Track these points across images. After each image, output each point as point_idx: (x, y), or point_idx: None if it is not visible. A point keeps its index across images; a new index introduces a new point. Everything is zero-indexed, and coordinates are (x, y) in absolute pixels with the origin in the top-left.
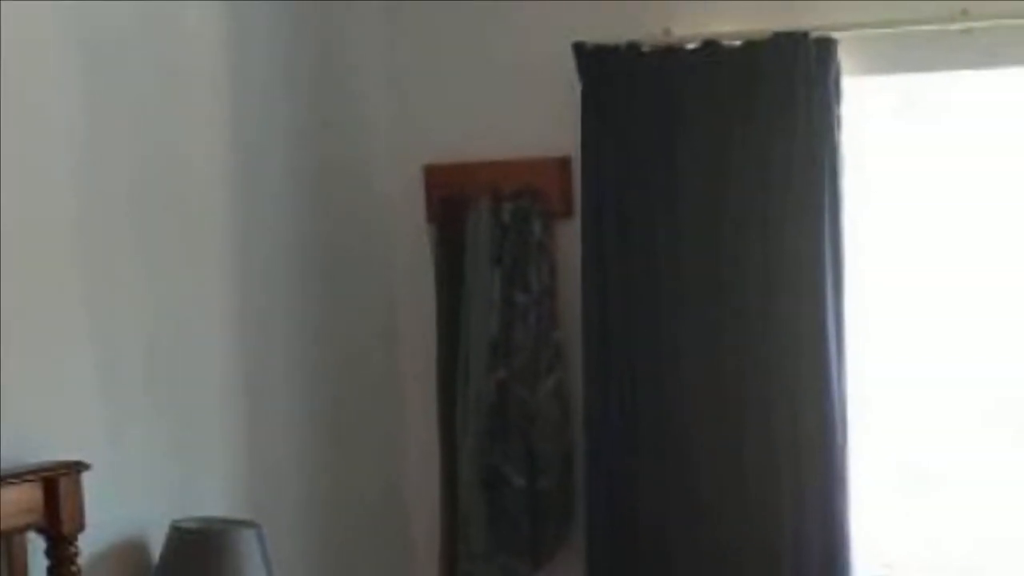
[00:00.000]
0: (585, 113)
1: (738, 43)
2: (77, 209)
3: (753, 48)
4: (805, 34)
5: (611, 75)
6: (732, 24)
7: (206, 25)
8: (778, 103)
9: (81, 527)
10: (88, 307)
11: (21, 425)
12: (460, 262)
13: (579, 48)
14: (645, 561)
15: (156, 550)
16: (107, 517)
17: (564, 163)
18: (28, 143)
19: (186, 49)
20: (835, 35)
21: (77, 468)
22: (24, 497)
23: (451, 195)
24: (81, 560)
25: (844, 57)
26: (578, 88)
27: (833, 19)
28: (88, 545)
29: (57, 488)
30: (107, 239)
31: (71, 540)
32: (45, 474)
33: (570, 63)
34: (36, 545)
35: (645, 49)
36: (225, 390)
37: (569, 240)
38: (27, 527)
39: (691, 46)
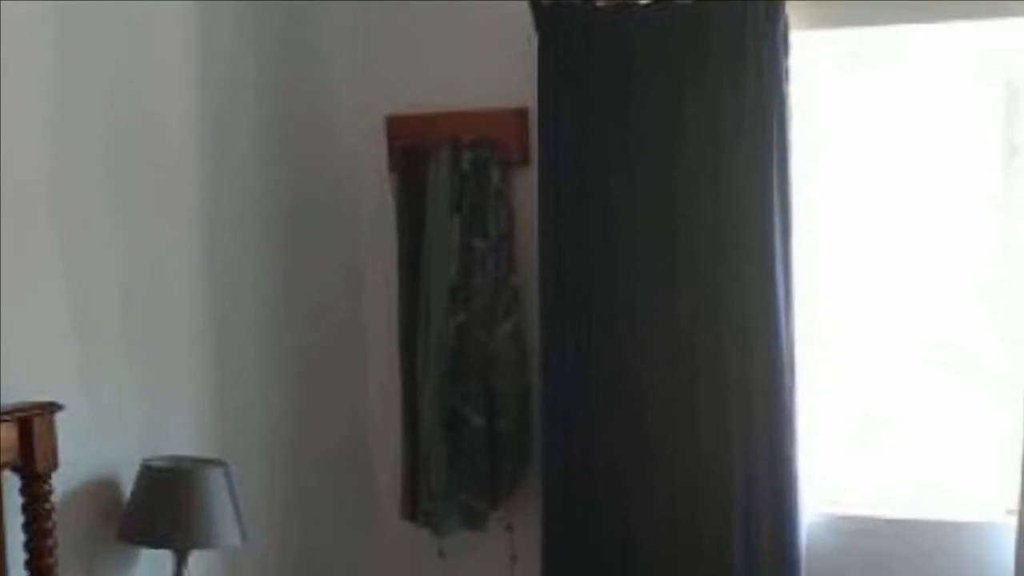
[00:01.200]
0: (542, 66)
1: None
2: (51, 161)
3: (704, 3)
4: None
5: (567, 29)
6: None
7: None
8: (728, 57)
9: (55, 466)
10: (63, 256)
11: None
12: (421, 210)
13: (536, 3)
14: (600, 499)
15: (127, 488)
16: (80, 456)
17: (521, 114)
18: (3, 98)
19: (156, 6)
20: None
21: (51, 409)
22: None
23: (412, 145)
24: (55, 498)
25: (792, 12)
26: (535, 42)
27: None
28: (62, 483)
29: (32, 428)
30: (81, 191)
31: (45, 478)
32: (20, 414)
33: (527, 18)
34: (11, 483)
35: (600, 4)
36: (194, 334)
37: (526, 188)
38: (2, 466)
39: (644, 1)
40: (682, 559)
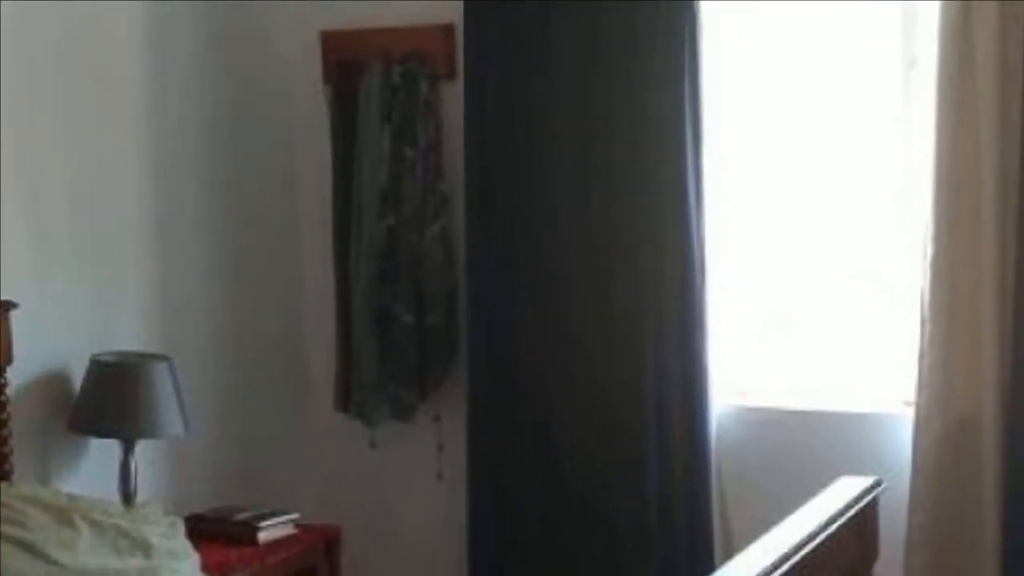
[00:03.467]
0: None
1: None
2: (6, 71)
3: None
4: None
5: None
6: None
7: None
8: None
9: (9, 360)
10: (16, 162)
11: None
12: (354, 120)
13: None
14: (522, 392)
15: (77, 381)
16: (33, 351)
17: (449, 30)
18: None
19: None
20: None
21: (5, 307)
22: None
23: (346, 59)
24: (9, 391)
25: None
26: None
27: None
28: (15, 377)
29: None
30: (32, 99)
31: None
32: None
33: None
34: None
35: None
36: (141, 236)
37: (453, 100)
38: None
39: None
40: (598, 447)
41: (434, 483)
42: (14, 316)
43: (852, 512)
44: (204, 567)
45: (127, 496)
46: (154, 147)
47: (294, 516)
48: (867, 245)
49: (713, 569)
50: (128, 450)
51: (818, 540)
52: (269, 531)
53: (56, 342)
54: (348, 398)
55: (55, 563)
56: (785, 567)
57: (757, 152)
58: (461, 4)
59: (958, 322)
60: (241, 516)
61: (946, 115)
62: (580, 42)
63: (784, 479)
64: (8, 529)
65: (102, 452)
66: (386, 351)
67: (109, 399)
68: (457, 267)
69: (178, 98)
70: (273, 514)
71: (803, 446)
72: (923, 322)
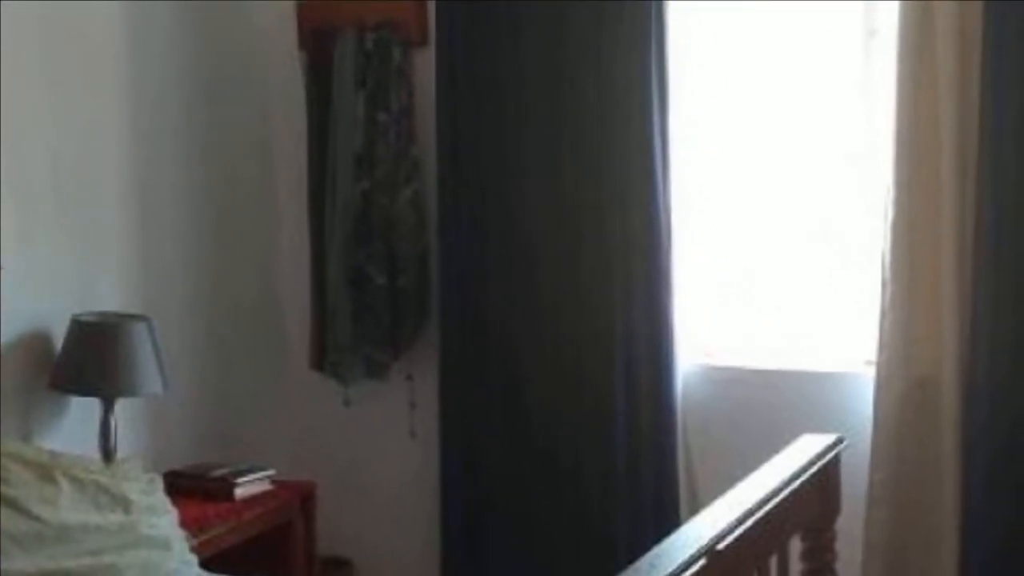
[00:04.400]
0: None
1: None
2: None
3: None
4: None
5: None
6: None
7: None
8: None
9: None
10: None
11: None
12: (328, 86)
13: None
14: (492, 351)
15: (59, 341)
16: (16, 311)
17: None
18: None
19: None
20: None
21: None
22: None
23: (320, 26)
24: None
25: None
26: None
27: None
28: None
29: None
30: (15, 66)
31: None
32: None
33: None
34: None
35: None
36: (121, 200)
37: (425, 66)
38: None
39: None
40: (567, 405)
41: (407, 440)
42: None
43: (814, 468)
44: (182, 522)
45: (107, 453)
46: (133, 114)
47: (270, 472)
48: (829, 208)
49: (679, 523)
50: (108, 408)
51: (781, 496)
52: (245, 487)
53: (38, 303)
54: (323, 357)
55: (37, 518)
56: (749, 522)
57: (722, 119)
58: None
59: (918, 283)
60: (218, 472)
61: (906, 82)
62: (549, 10)
63: (748, 436)
64: None
65: (83, 410)
66: (360, 311)
67: (90, 358)
68: (429, 230)
69: (156, 66)
70: (249, 470)
71: (767, 404)
72: (884, 283)
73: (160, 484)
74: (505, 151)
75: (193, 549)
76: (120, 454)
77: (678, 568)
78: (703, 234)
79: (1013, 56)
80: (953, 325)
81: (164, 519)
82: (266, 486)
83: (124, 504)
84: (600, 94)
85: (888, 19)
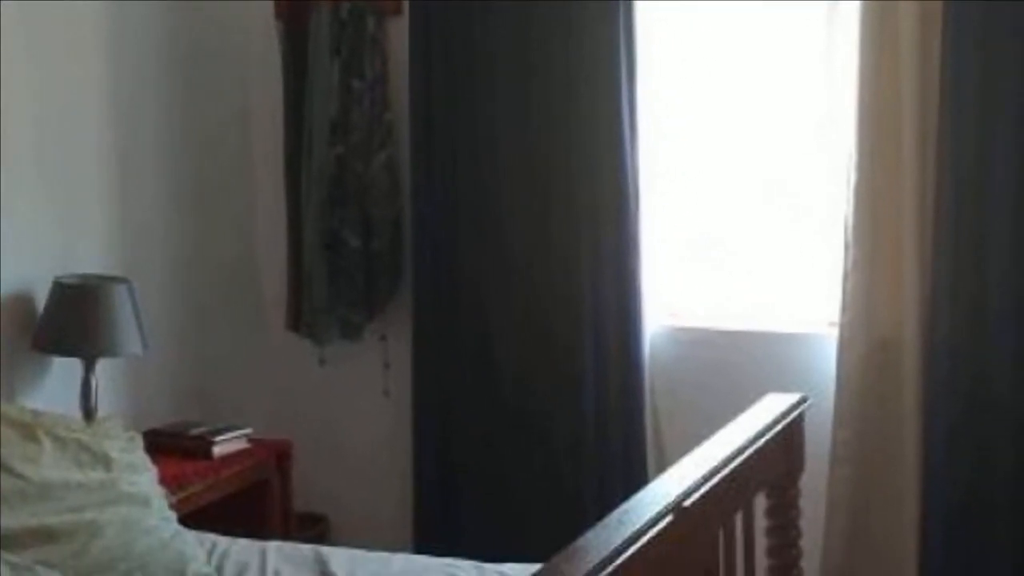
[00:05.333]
0: None
1: None
2: None
3: None
4: None
5: None
6: None
7: None
8: None
9: None
10: None
11: None
12: (304, 54)
13: None
14: (464, 313)
15: (41, 303)
16: None
17: None
18: None
19: None
20: None
21: None
22: None
23: None
24: None
25: None
26: None
27: None
28: None
29: None
30: None
31: None
32: None
33: None
34: None
35: None
36: (102, 166)
37: (399, 35)
38: None
39: None
40: (537, 366)
41: (381, 399)
42: None
43: (779, 427)
44: (161, 480)
45: (88, 412)
46: (114, 83)
47: (247, 431)
48: (793, 173)
49: (646, 481)
50: (89, 368)
51: (746, 454)
52: (223, 445)
53: (21, 265)
54: (299, 318)
55: (20, 476)
56: (715, 479)
57: (689, 87)
58: None
59: (880, 246)
60: (196, 431)
61: (868, 49)
62: None
63: (714, 396)
64: None
65: (64, 370)
66: (335, 274)
67: (71, 320)
68: (402, 194)
69: (137, 36)
70: (227, 429)
71: (732, 364)
72: (846, 247)
73: (140, 442)
74: (477, 118)
75: (172, 506)
76: (101, 413)
77: (645, 524)
78: (670, 199)
79: (973, 24)
80: (914, 287)
81: (144, 476)
82: (243, 444)
83: (105, 462)
84: (569, 63)
85: None
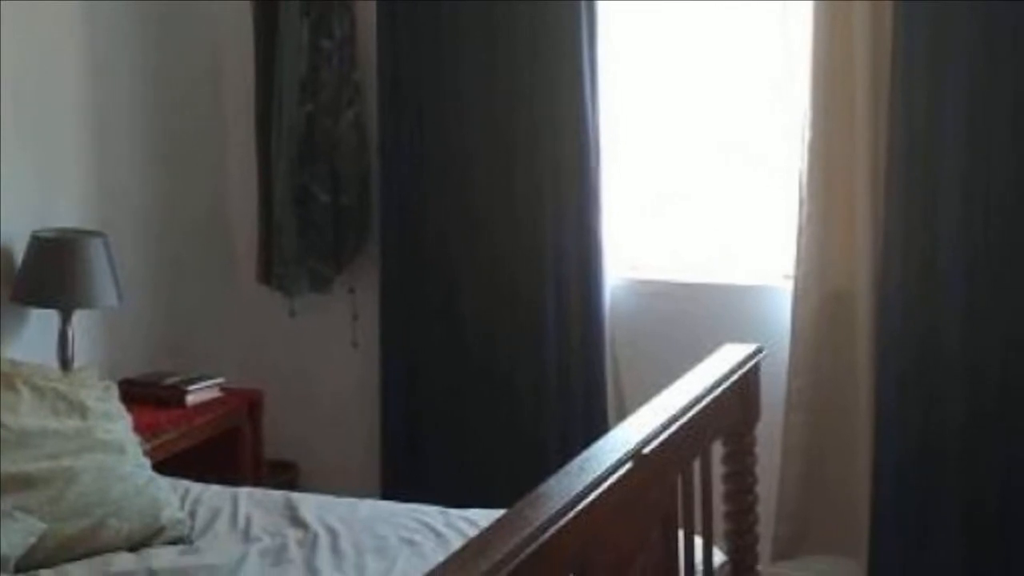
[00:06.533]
0: None
1: None
2: None
3: None
4: None
5: None
6: None
7: None
8: None
9: None
10: None
11: None
12: (274, 14)
13: None
14: (430, 265)
15: (19, 256)
16: None
17: None
18: None
19: None
20: None
21: None
22: None
23: None
24: None
25: None
26: None
27: None
28: None
29: None
30: None
31: None
32: None
33: None
34: None
35: None
36: (79, 123)
37: None
38: None
39: None
40: (501, 318)
41: (349, 350)
42: None
43: (735, 377)
44: (136, 427)
45: (65, 362)
46: (90, 43)
47: (219, 380)
48: (749, 131)
49: (607, 429)
50: (66, 320)
51: (704, 403)
52: (196, 394)
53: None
54: (269, 271)
55: None
56: (673, 427)
57: (648, 46)
58: None
59: (833, 201)
60: (170, 380)
61: (822, 10)
62: None
63: (673, 346)
64: None
65: (42, 322)
66: (304, 228)
67: (49, 272)
68: (370, 151)
69: None
70: (200, 378)
71: (690, 316)
72: (801, 201)
73: (115, 391)
74: (443, 76)
75: (146, 453)
76: (77, 363)
77: (606, 471)
78: (631, 156)
79: None
80: (867, 241)
81: (119, 424)
82: (215, 393)
83: (81, 410)
84: (534, 24)
85: None
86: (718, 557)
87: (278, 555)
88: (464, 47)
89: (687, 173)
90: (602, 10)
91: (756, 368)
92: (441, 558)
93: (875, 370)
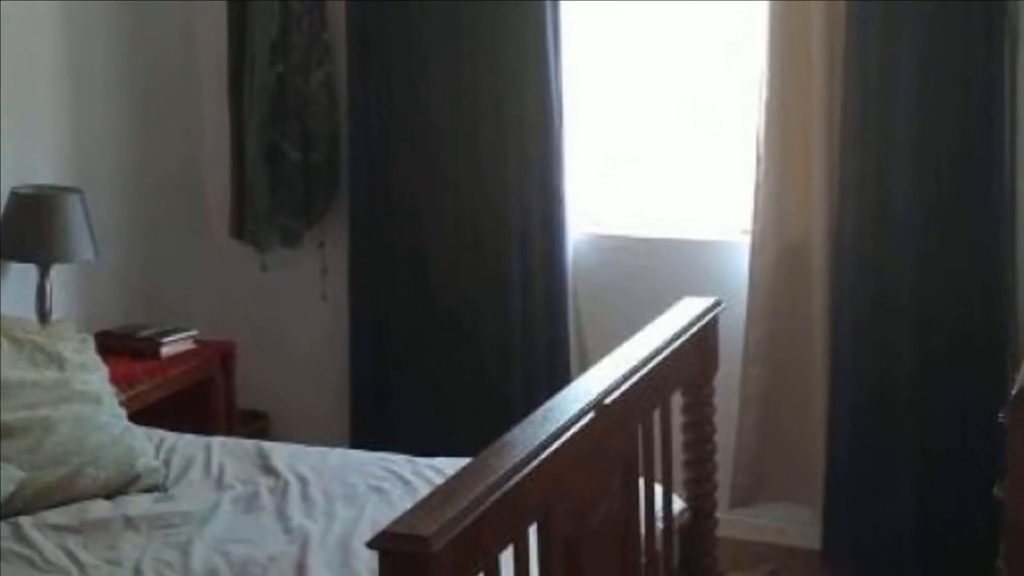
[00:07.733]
0: None
1: None
2: None
3: None
4: None
5: None
6: None
7: None
8: None
9: None
10: None
11: None
12: None
13: None
14: (398, 222)
15: None
16: None
17: None
18: None
19: None
20: None
21: None
22: None
23: None
24: None
25: None
26: None
27: None
28: None
29: None
30: None
31: None
32: None
33: None
34: None
35: None
36: (56, 81)
37: None
38: None
39: None
40: (467, 272)
41: (319, 303)
42: None
43: (695, 329)
44: (112, 379)
45: (43, 315)
46: (67, 4)
47: (193, 333)
48: (708, 90)
49: (570, 380)
50: (44, 274)
51: (664, 354)
52: (171, 346)
53: None
54: (242, 226)
55: None
56: (634, 378)
57: (610, 5)
58: None
59: (790, 159)
60: (145, 333)
61: None
62: None
63: (634, 300)
64: None
65: (20, 276)
66: (276, 184)
67: (27, 228)
68: (339, 109)
69: None
70: (174, 331)
71: (651, 270)
72: (758, 159)
73: (92, 343)
74: (410, 37)
75: (122, 403)
76: (55, 316)
77: (569, 421)
78: (592, 115)
79: None
80: (822, 196)
81: (95, 375)
82: (189, 345)
83: (58, 362)
84: None
85: None
86: (677, 504)
87: (250, 502)
88: (431, 8)
89: (648, 131)
90: None
91: (715, 321)
92: (408, 505)
93: (830, 321)
